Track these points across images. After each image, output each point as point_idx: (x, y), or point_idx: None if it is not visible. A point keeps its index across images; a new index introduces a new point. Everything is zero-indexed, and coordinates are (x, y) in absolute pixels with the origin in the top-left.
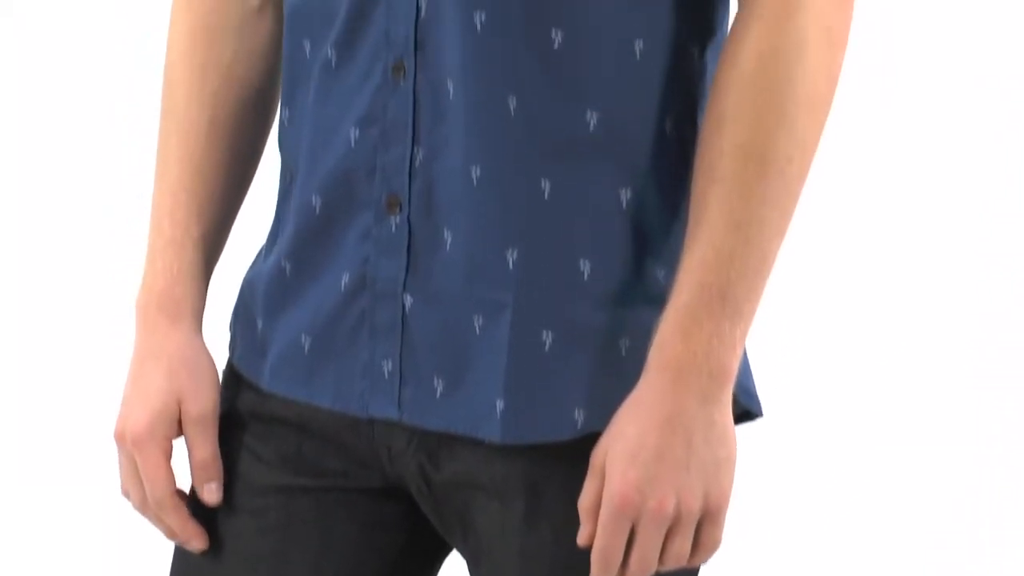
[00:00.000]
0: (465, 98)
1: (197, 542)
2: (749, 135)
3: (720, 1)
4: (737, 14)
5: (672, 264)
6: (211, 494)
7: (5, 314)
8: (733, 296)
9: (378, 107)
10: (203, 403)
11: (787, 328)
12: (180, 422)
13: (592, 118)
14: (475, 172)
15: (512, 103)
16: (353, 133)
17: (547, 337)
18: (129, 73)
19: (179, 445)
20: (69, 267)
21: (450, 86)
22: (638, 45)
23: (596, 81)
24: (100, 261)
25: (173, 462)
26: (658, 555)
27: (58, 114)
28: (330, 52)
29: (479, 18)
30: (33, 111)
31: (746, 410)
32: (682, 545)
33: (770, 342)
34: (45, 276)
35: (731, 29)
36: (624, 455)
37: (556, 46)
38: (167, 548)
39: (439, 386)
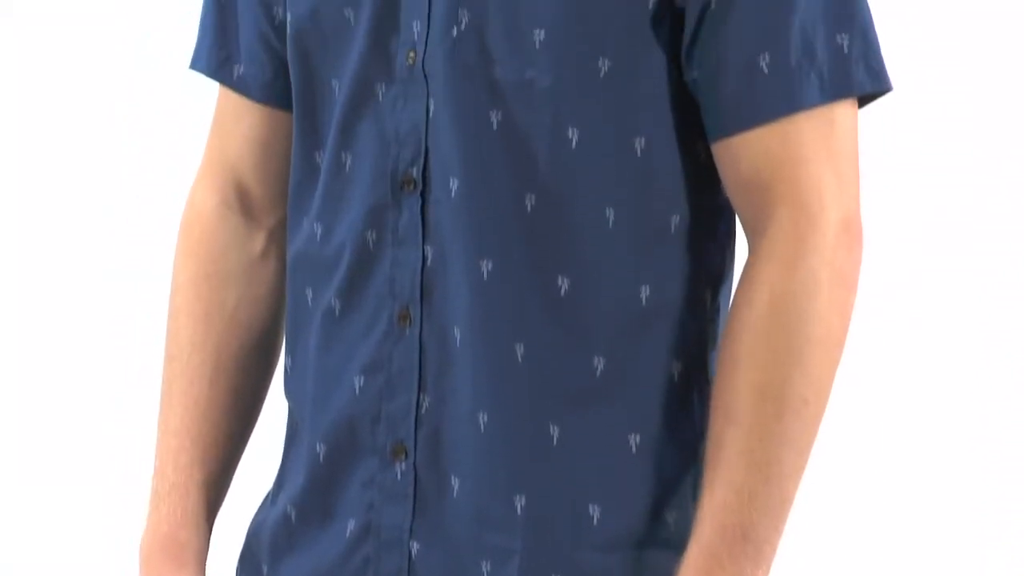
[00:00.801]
0: (472, 346)
1: None
2: (765, 376)
3: (730, 245)
4: (749, 257)
5: (682, 506)
6: None
7: (5, 314)
8: (755, 537)
9: (383, 355)
10: None
11: None
12: None
13: (599, 364)
14: (483, 419)
15: (519, 350)
16: (357, 381)
17: None
18: (129, 73)
19: None
20: (69, 267)
21: (457, 333)
22: (644, 291)
23: (602, 328)
24: (100, 261)
25: None
26: None
27: (58, 114)
28: (333, 301)
29: (486, 267)
30: (33, 111)
31: None
32: None
33: None
34: (45, 276)
35: (744, 271)
36: None
37: (563, 293)
38: None
39: None
